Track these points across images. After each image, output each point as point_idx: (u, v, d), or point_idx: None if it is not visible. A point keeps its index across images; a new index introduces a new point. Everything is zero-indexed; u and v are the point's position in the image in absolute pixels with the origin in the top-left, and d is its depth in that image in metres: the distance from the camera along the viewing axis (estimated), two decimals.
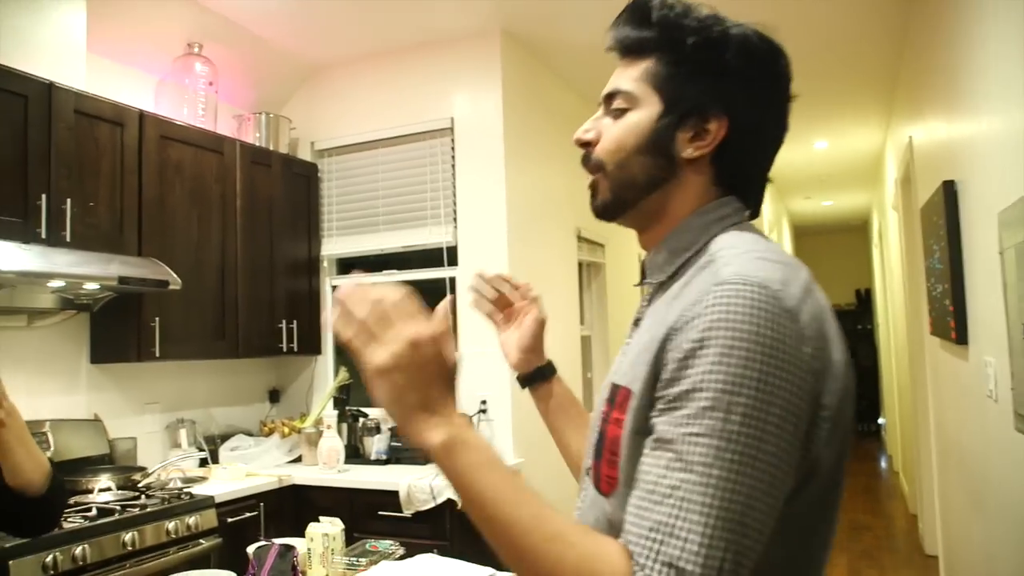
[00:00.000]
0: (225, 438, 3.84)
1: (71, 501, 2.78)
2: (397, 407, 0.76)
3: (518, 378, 1.29)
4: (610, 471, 0.84)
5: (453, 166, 4.01)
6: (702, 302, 0.76)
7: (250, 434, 4.00)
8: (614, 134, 0.93)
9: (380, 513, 3.32)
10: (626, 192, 0.93)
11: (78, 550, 2.48)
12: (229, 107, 4.16)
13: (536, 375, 1.27)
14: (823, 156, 6.94)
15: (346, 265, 4.45)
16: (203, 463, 3.57)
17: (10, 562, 2.30)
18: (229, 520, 3.08)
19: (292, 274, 4.12)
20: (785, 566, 0.78)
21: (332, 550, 1.97)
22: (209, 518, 2.98)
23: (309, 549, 1.96)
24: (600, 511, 0.86)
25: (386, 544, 2.12)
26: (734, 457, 0.70)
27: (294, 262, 4.14)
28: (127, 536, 2.64)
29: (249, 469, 3.51)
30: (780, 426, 0.71)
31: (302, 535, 1.98)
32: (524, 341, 1.26)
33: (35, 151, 2.83)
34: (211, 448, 3.70)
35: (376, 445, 3.78)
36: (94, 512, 2.67)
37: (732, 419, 0.70)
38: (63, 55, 3.07)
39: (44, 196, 2.83)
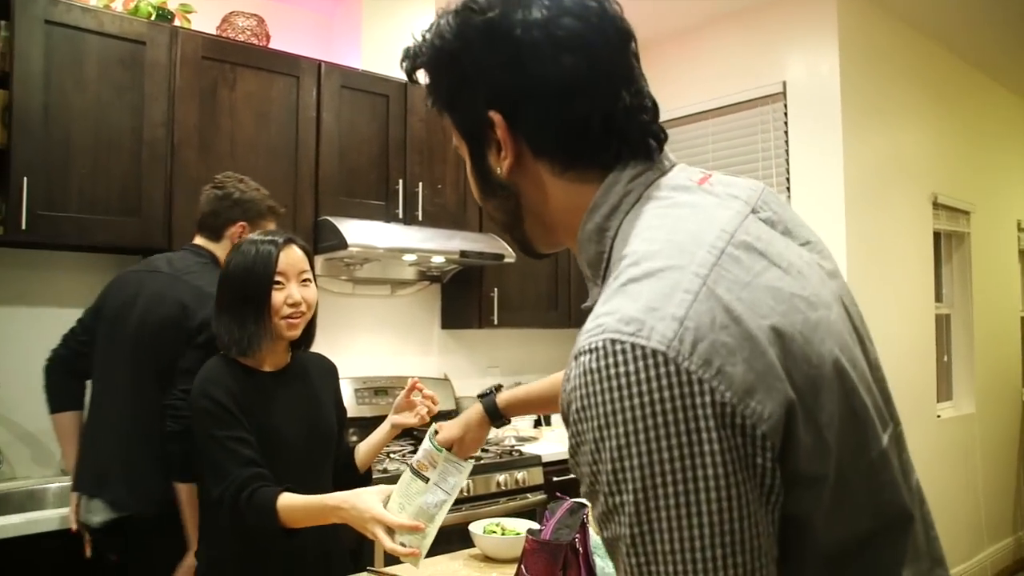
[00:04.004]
0: None
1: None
2: None
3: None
4: None
5: (786, 133, 3.80)
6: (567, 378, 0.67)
7: None
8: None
9: None
10: (513, 232, 0.86)
11: None
12: None
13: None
14: None
15: None
16: (537, 424, 3.85)
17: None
18: (555, 479, 3.29)
19: None
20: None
21: None
22: (536, 475, 3.21)
23: None
24: None
25: None
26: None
27: None
28: None
29: None
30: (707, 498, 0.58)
31: None
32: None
33: (394, 143, 3.25)
34: None
35: None
36: None
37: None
38: None
39: (401, 181, 3.25)
